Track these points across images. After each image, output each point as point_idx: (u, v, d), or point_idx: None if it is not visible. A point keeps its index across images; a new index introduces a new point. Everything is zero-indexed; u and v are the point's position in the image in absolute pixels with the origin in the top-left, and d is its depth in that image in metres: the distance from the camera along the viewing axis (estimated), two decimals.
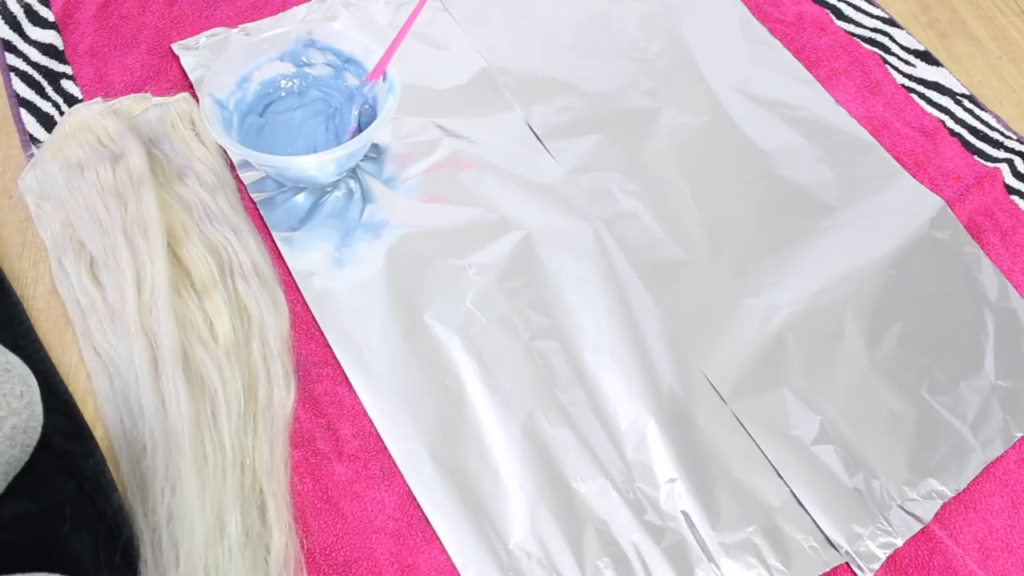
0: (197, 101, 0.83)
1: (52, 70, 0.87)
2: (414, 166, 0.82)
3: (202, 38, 0.89)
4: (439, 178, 0.82)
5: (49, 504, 0.61)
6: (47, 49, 0.88)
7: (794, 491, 0.68)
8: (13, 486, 0.60)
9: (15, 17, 0.89)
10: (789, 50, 0.94)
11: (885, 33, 0.97)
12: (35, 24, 0.89)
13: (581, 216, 0.81)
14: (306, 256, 0.77)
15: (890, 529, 0.67)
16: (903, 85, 0.92)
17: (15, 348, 0.68)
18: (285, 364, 0.70)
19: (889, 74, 0.93)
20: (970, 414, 0.72)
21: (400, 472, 0.67)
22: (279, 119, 0.82)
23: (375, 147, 0.83)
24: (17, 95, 0.85)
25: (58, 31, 0.89)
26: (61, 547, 0.59)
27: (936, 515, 0.68)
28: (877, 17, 0.98)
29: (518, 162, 0.84)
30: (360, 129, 0.79)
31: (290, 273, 0.76)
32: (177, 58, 0.88)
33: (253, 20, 0.91)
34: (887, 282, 0.79)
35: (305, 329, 0.73)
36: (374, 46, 0.80)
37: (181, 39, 0.89)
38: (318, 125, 0.81)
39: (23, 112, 0.83)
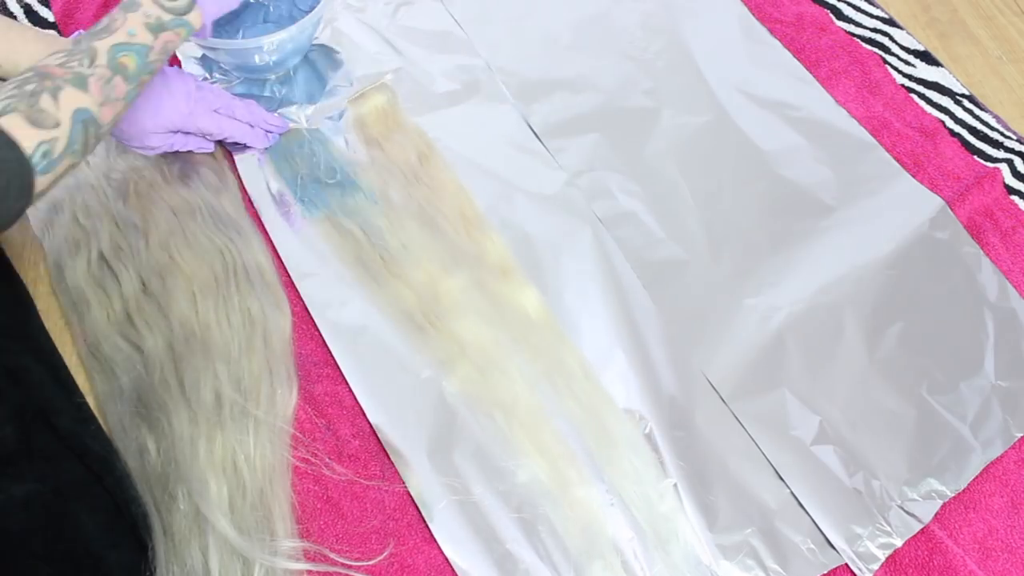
0: None
1: None
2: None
3: None
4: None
5: (58, 485, 0.61)
6: None
7: (793, 491, 0.68)
8: (22, 468, 0.60)
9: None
10: (789, 50, 0.94)
11: (885, 33, 0.96)
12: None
13: (580, 216, 0.81)
14: (304, 256, 0.77)
15: (889, 529, 0.67)
16: (903, 85, 0.92)
17: (25, 337, 0.68)
18: (287, 365, 0.70)
19: (889, 74, 0.93)
20: (970, 414, 0.72)
21: (399, 472, 0.67)
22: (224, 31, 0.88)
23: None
24: None
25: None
26: (71, 527, 0.59)
27: (936, 515, 0.68)
28: (877, 17, 0.98)
29: (517, 162, 0.84)
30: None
31: (288, 273, 0.76)
32: (176, 58, 0.88)
33: None
34: (887, 282, 0.79)
35: (305, 329, 0.73)
36: None
37: None
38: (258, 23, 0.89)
39: None
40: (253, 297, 0.72)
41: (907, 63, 0.94)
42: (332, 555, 0.63)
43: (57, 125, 0.53)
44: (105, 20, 0.60)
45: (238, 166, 0.81)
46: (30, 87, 0.53)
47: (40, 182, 0.52)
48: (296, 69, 0.87)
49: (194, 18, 0.65)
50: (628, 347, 0.73)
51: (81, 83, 0.56)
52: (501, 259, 0.77)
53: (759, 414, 0.71)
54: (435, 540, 0.65)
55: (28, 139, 0.51)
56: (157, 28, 0.61)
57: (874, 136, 0.88)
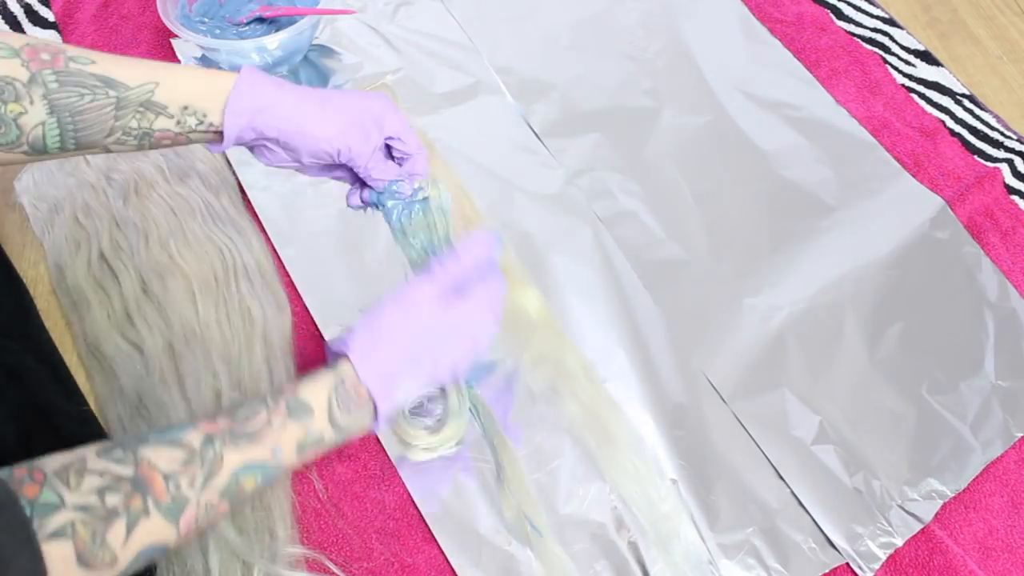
0: None
1: None
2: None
3: None
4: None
5: None
6: None
7: (794, 491, 0.68)
8: None
9: (15, 17, 0.89)
10: (789, 50, 0.94)
11: (885, 33, 0.97)
12: (35, 24, 0.89)
13: (581, 216, 0.81)
14: (305, 257, 0.77)
15: (890, 529, 0.67)
16: (903, 85, 0.92)
17: (24, 337, 0.68)
18: (287, 365, 0.70)
19: (889, 74, 0.93)
20: (970, 414, 0.72)
21: (399, 472, 0.67)
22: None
23: None
24: None
25: (58, 31, 0.89)
26: None
27: (936, 515, 0.68)
28: (877, 17, 0.98)
29: (518, 162, 0.84)
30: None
31: (288, 273, 0.76)
32: (176, 59, 0.88)
33: None
34: (887, 282, 0.79)
35: (305, 329, 0.73)
36: None
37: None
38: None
39: None
40: (253, 297, 0.72)
41: (907, 63, 0.94)
42: (331, 565, 0.62)
43: (112, 564, 0.41)
44: (261, 416, 0.47)
45: (236, 168, 0.81)
46: (113, 500, 0.41)
47: None
48: (297, 69, 0.87)
49: (359, 436, 0.53)
50: (628, 347, 0.73)
51: (175, 513, 0.43)
52: (501, 259, 0.76)
53: (759, 414, 0.71)
54: (435, 540, 0.64)
55: None
56: (309, 446, 0.49)
57: (874, 136, 0.88)
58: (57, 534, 0.39)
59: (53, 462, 0.41)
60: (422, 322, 0.54)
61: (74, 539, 0.40)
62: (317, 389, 0.50)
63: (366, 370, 0.51)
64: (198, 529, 0.45)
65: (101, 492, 0.41)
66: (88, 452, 0.42)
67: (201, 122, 0.51)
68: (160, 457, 0.43)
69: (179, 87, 0.50)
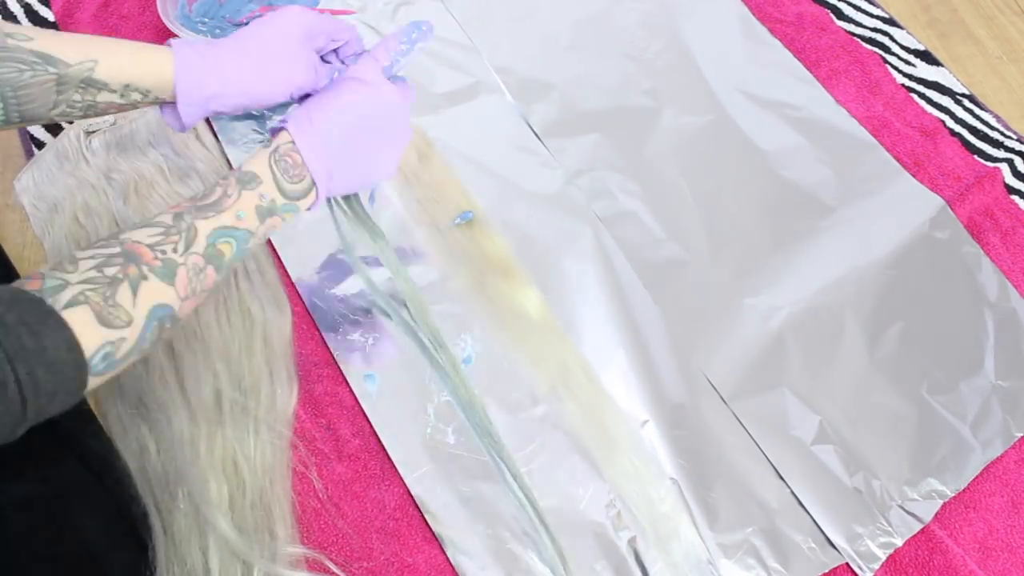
0: None
1: None
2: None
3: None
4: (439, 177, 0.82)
5: (58, 486, 0.61)
6: None
7: (794, 491, 0.68)
8: (22, 469, 0.60)
9: (15, 17, 0.89)
10: (789, 50, 0.94)
11: (885, 33, 0.96)
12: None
13: (581, 216, 0.81)
14: (304, 257, 0.77)
15: (890, 529, 0.67)
16: (903, 85, 0.92)
17: None
18: (287, 365, 0.70)
19: (889, 74, 0.93)
20: (970, 414, 0.72)
21: (399, 472, 0.67)
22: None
23: None
24: None
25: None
26: (71, 527, 0.59)
27: (936, 515, 0.68)
28: (877, 17, 0.98)
29: (517, 162, 0.84)
30: None
31: (288, 273, 0.76)
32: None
33: None
34: (887, 282, 0.79)
35: (305, 329, 0.73)
36: None
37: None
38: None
39: None
40: (253, 297, 0.72)
41: (907, 63, 0.94)
42: (331, 565, 0.63)
43: (128, 324, 0.45)
44: (218, 191, 0.51)
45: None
46: (111, 271, 0.45)
47: (94, 381, 0.45)
48: None
49: (306, 203, 0.55)
50: (629, 347, 0.73)
51: (169, 275, 0.47)
52: (501, 259, 0.77)
53: (759, 414, 0.71)
54: (435, 540, 0.65)
55: (92, 340, 0.43)
56: (268, 212, 0.53)
57: (874, 136, 0.88)
58: (72, 303, 0.43)
59: (44, 268, 0.44)
60: (355, 95, 0.56)
61: (88, 304, 0.43)
62: (258, 160, 0.53)
63: (300, 136, 0.54)
64: (194, 294, 0.49)
65: (99, 267, 0.45)
66: (73, 251, 0.46)
67: (145, 96, 0.53)
68: (140, 235, 0.48)
69: (119, 67, 0.52)
